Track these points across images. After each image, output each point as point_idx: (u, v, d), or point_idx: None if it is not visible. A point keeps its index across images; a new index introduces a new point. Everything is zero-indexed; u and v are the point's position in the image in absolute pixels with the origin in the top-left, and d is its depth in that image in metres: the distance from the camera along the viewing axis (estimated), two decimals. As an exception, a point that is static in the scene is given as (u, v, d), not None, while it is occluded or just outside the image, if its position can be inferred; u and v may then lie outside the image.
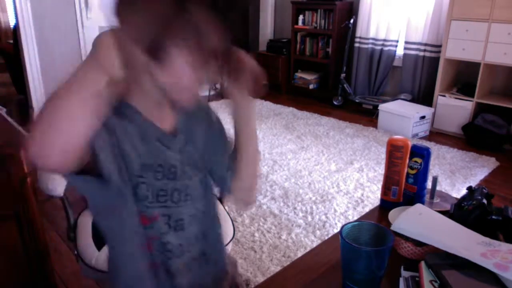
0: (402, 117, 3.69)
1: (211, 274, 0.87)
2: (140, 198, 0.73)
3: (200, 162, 0.83)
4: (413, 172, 1.06)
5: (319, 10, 4.76)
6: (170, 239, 0.78)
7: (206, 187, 0.85)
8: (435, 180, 1.13)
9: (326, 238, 2.16)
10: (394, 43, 4.31)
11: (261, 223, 2.30)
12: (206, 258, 0.85)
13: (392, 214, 0.99)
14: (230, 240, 1.60)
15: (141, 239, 0.75)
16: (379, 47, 4.38)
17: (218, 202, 0.93)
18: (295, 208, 2.47)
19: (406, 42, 4.17)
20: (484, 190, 0.98)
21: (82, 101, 0.57)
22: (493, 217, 0.90)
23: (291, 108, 4.50)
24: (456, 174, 2.94)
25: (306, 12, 4.89)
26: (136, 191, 0.72)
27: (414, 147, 1.06)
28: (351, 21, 4.43)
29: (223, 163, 0.86)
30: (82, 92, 0.57)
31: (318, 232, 2.22)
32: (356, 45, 4.53)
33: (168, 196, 0.76)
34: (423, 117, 3.71)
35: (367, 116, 4.26)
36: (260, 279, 1.83)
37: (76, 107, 0.56)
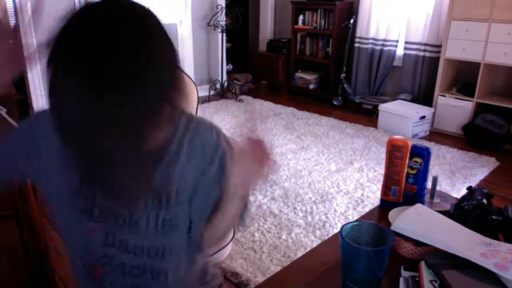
0: (402, 117, 3.69)
1: None
2: (80, 209, 0.74)
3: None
4: (413, 172, 1.06)
5: (319, 10, 4.76)
6: (112, 256, 0.77)
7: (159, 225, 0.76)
8: (435, 180, 1.13)
9: (326, 238, 2.16)
10: (394, 43, 4.31)
11: (261, 223, 2.30)
12: (158, 279, 0.79)
13: (392, 214, 0.99)
14: (230, 240, 1.60)
15: (84, 242, 0.77)
16: (379, 47, 4.38)
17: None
18: (295, 208, 2.47)
19: (406, 42, 4.17)
20: (484, 190, 0.98)
21: None
22: (493, 217, 0.90)
23: (291, 108, 4.50)
24: (456, 174, 2.94)
25: (306, 12, 4.89)
26: (76, 200, 0.74)
27: (414, 147, 1.06)
28: (351, 21, 4.43)
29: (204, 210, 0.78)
30: None
31: (318, 232, 2.22)
32: (356, 45, 4.53)
33: (118, 217, 0.75)
34: (423, 117, 3.71)
35: (367, 116, 4.26)
36: (260, 279, 1.83)
37: None
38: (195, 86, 1.48)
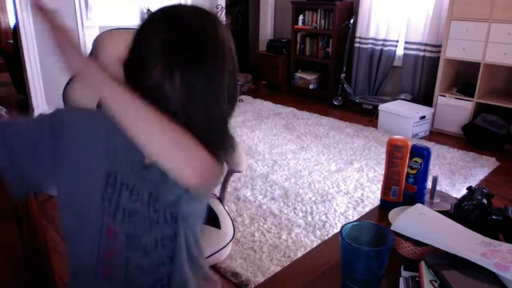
0: (402, 117, 3.69)
1: None
2: (104, 210, 0.75)
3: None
4: (413, 172, 1.06)
5: (319, 10, 4.76)
6: (129, 257, 0.77)
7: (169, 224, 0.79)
8: (435, 180, 1.13)
9: (326, 238, 2.16)
10: (394, 43, 4.31)
11: (261, 223, 2.30)
12: (171, 283, 0.81)
13: (392, 214, 0.99)
14: (230, 240, 1.60)
15: (98, 243, 0.77)
16: (379, 47, 4.38)
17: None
18: (295, 208, 2.47)
19: (406, 42, 4.17)
20: (484, 190, 0.98)
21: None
22: (493, 217, 0.90)
23: (291, 108, 4.50)
24: (456, 174, 2.94)
25: (306, 12, 4.89)
26: (102, 203, 0.75)
27: (414, 147, 1.06)
28: (351, 21, 4.43)
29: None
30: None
31: (318, 232, 2.22)
32: (356, 45, 4.53)
33: (138, 218, 0.76)
34: (423, 117, 3.71)
35: (367, 116, 4.26)
36: (260, 279, 1.83)
37: None
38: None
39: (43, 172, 0.78)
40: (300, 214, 2.40)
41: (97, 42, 1.49)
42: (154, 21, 0.71)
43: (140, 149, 0.66)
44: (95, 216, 0.76)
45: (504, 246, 0.77)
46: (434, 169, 2.99)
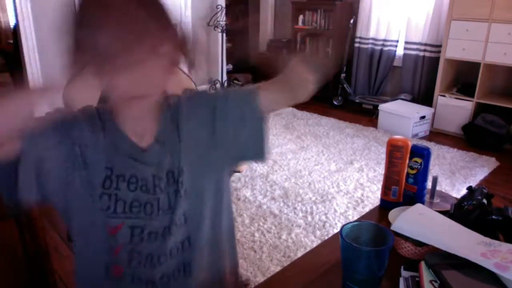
0: (402, 117, 3.69)
1: (199, 285, 0.83)
2: (103, 208, 0.75)
3: (186, 169, 0.79)
4: (413, 172, 1.06)
5: (319, 10, 4.76)
6: (140, 250, 0.77)
7: (188, 197, 0.79)
8: (435, 180, 1.13)
9: (326, 238, 2.16)
10: (394, 43, 4.31)
11: (261, 223, 2.30)
12: (187, 270, 0.81)
13: (392, 214, 0.99)
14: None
15: (105, 243, 0.77)
16: (379, 47, 4.37)
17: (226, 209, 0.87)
18: (295, 208, 2.47)
19: (406, 42, 4.17)
20: (484, 190, 0.98)
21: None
22: (493, 217, 0.90)
23: (291, 108, 4.49)
24: (456, 174, 2.94)
25: (306, 12, 4.89)
26: (99, 201, 0.75)
27: (414, 147, 1.05)
28: (351, 21, 4.43)
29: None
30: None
31: (318, 232, 2.22)
32: (356, 45, 4.53)
33: (141, 207, 0.76)
34: (423, 117, 3.71)
35: (367, 116, 4.26)
36: (260, 279, 1.83)
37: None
38: (195, 86, 1.48)
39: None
40: (300, 214, 2.40)
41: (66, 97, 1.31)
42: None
43: (128, 137, 0.74)
44: (98, 214, 0.75)
45: (504, 246, 0.77)
46: (434, 169, 2.99)
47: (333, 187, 2.74)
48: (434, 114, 3.81)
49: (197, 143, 0.80)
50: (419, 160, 1.05)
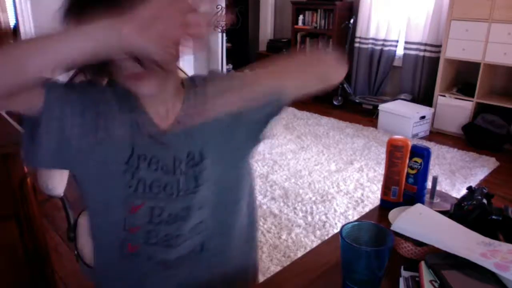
0: (402, 117, 3.69)
1: (213, 269, 0.85)
2: (125, 185, 0.75)
3: (207, 153, 0.78)
4: (413, 172, 1.06)
5: (319, 10, 4.76)
6: (158, 230, 0.78)
7: (210, 179, 0.79)
8: (435, 180, 1.13)
9: (326, 238, 2.16)
10: (394, 43, 4.31)
11: (261, 223, 2.29)
12: (206, 252, 0.82)
13: (392, 214, 0.99)
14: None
15: (121, 220, 0.77)
16: (379, 47, 4.37)
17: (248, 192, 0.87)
18: (295, 208, 2.47)
19: (406, 42, 4.18)
20: (484, 190, 0.98)
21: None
22: (493, 217, 0.90)
23: (291, 108, 4.50)
24: (456, 174, 2.94)
25: (306, 12, 4.89)
26: (122, 177, 0.74)
27: (414, 147, 1.05)
28: (351, 21, 4.43)
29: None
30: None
31: (318, 232, 2.22)
32: (356, 45, 4.53)
33: (161, 188, 0.76)
34: (423, 117, 3.71)
35: (367, 116, 4.26)
36: (260, 279, 1.83)
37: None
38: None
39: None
40: (300, 214, 2.40)
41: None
42: None
43: (151, 117, 0.74)
44: (117, 190, 0.75)
45: (504, 246, 0.77)
46: (434, 169, 2.99)
47: (333, 187, 2.74)
48: (434, 114, 3.81)
49: (220, 123, 0.76)
50: (419, 160, 1.05)
